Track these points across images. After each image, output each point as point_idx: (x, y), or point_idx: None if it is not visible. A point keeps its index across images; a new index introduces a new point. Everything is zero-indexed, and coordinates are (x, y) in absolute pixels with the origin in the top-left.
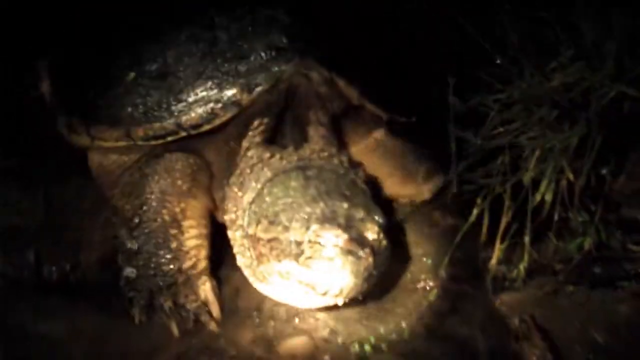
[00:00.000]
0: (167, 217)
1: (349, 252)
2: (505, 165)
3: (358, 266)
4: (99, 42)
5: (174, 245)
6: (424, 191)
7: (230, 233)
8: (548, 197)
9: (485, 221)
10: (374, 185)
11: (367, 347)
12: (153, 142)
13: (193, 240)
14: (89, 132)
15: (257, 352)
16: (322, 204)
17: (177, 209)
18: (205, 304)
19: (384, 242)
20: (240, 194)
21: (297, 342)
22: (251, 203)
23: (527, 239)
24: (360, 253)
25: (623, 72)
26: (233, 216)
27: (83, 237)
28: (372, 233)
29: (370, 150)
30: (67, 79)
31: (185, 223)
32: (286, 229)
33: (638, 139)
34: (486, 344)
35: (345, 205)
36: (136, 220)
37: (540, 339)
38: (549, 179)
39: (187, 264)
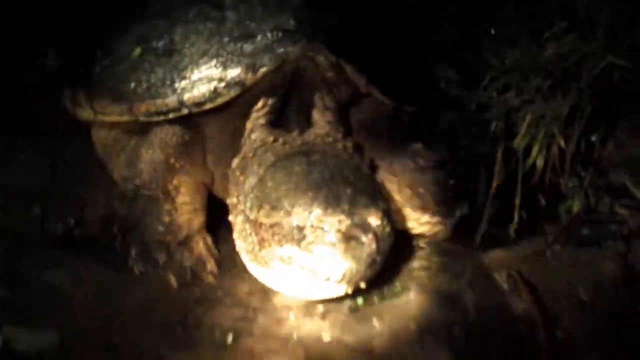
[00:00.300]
0: (160, 193)
1: (352, 238)
2: (499, 130)
3: (360, 252)
4: (107, 18)
5: (166, 219)
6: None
7: (231, 217)
8: (539, 163)
9: (480, 185)
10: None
11: (359, 300)
12: (155, 119)
13: (186, 215)
14: (92, 106)
15: (253, 303)
16: (325, 189)
17: (170, 186)
18: (201, 260)
19: (388, 229)
20: (242, 178)
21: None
22: (253, 187)
23: (517, 201)
24: (363, 239)
25: (614, 44)
26: (235, 200)
27: (87, 196)
28: (375, 219)
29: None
30: (74, 54)
31: (179, 199)
32: (288, 213)
33: (627, 108)
34: (474, 299)
35: (349, 190)
36: (130, 194)
37: (527, 294)
38: (541, 145)
39: (180, 234)
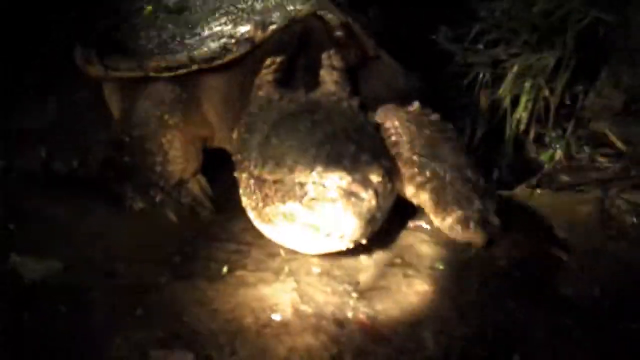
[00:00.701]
0: (152, 146)
1: (352, 194)
2: (486, 81)
3: (361, 208)
4: None
5: (158, 169)
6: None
7: (237, 173)
8: (525, 113)
9: (466, 133)
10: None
11: None
12: (165, 74)
13: (179, 165)
14: (103, 62)
15: (247, 238)
16: (327, 147)
17: (164, 139)
18: (197, 199)
19: (389, 186)
20: (247, 135)
21: None
22: (258, 144)
23: (504, 148)
24: (364, 195)
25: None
26: (240, 157)
27: (91, 139)
28: (376, 176)
29: None
30: (85, 11)
31: (171, 152)
32: (291, 170)
33: (609, 61)
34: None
35: (352, 148)
36: (126, 145)
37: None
38: (527, 96)
39: (173, 180)
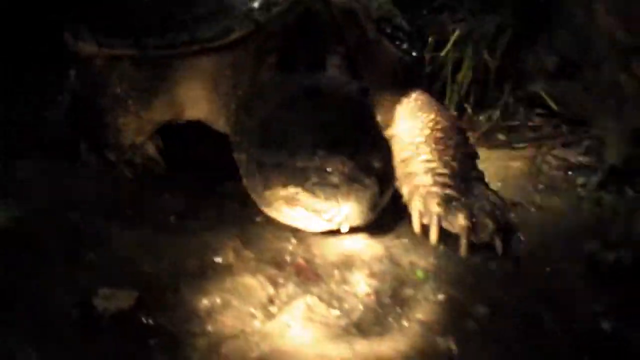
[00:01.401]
0: (108, 121)
1: (354, 180)
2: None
3: (363, 194)
4: None
5: (111, 139)
6: None
7: (236, 155)
8: (467, 77)
9: None
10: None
11: None
12: (164, 52)
13: (132, 138)
14: (97, 39)
15: (197, 190)
16: (330, 132)
17: (120, 120)
18: (151, 159)
19: (390, 171)
20: (248, 117)
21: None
22: (259, 127)
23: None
24: (366, 181)
25: None
26: (239, 139)
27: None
28: (378, 162)
29: None
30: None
31: (124, 132)
32: (292, 154)
33: (545, 26)
34: None
35: (353, 132)
36: (86, 109)
37: None
38: (469, 61)
39: (126, 146)
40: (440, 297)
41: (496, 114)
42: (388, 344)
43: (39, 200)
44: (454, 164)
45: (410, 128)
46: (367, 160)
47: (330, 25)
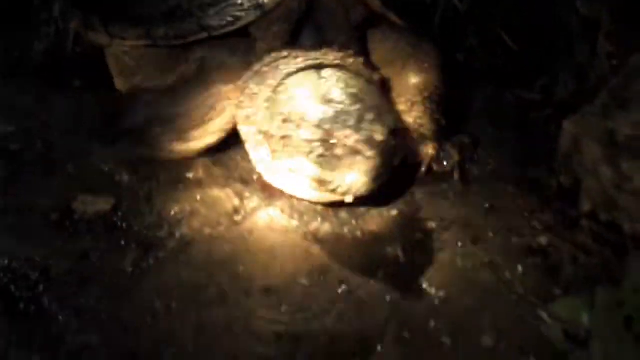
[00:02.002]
0: None
1: (357, 152)
2: None
3: (365, 166)
4: None
5: None
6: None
7: (243, 128)
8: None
9: None
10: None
11: None
12: (174, 42)
13: None
14: (108, 29)
15: None
16: (334, 104)
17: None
18: None
19: (392, 143)
20: (256, 90)
21: None
22: (267, 100)
23: None
24: (368, 153)
25: None
26: (248, 112)
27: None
28: (380, 135)
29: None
30: None
31: None
32: (298, 126)
33: None
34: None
35: (358, 106)
36: None
37: None
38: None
39: None
40: (393, 212)
41: (461, 56)
42: (342, 251)
43: (22, 119)
44: (438, 116)
45: (412, 88)
46: (370, 133)
47: (335, 3)
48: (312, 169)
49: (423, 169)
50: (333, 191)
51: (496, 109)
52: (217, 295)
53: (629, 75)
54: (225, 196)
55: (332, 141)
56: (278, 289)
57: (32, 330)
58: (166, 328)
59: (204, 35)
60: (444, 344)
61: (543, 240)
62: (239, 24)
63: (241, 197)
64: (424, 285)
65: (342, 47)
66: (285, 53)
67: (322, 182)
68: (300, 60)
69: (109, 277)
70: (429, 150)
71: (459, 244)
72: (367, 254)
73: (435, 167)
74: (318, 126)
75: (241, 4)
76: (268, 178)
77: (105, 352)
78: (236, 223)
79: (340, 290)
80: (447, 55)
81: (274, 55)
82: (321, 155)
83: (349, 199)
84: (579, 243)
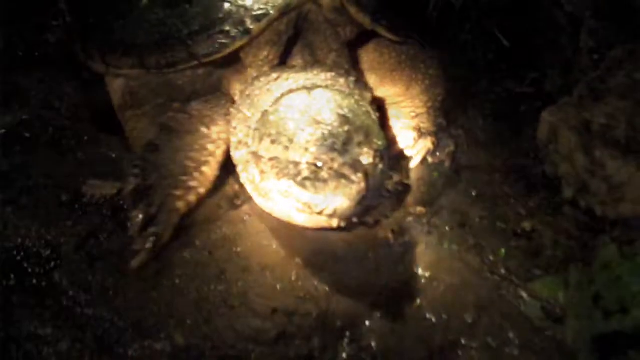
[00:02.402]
0: None
1: (343, 176)
2: None
3: (350, 189)
4: None
5: None
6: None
7: (233, 153)
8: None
9: None
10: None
11: None
12: (165, 70)
13: None
14: (105, 59)
15: None
16: (322, 126)
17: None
18: None
19: (380, 167)
20: (249, 114)
21: None
22: (257, 122)
23: None
24: (353, 177)
25: None
26: (239, 137)
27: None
28: (367, 157)
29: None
30: (84, 5)
31: None
32: (286, 148)
33: None
34: None
35: (346, 128)
36: None
37: None
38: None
39: None
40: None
41: (456, 50)
42: (335, 234)
43: (34, 107)
44: (440, 120)
45: (416, 101)
46: (357, 156)
47: (324, 23)
48: (298, 192)
49: (419, 159)
50: (319, 213)
51: (489, 102)
52: (217, 273)
53: (607, 69)
54: (226, 182)
55: (319, 164)
56: (274, 267)
57: (43, 303)
58: (169, 302)
59: (194, 62)
60: (429, 319)
61: (527, 225)
62: (227, 51)
63: (241, 183)
64: (412, 266)
65: (333, 66)
66: (275, 75)
67: (308, 205)
68: (291, 81)
69: (115, 255)
70: (427, 143)
71: (447, 227)
72: (359, 236)
73: (430, 159)
74: (306, 149)
75: (228, 31)
76: (257, 200)
77: (111, 324)
78: (235, 207)
79: (332, 269)
80: (443, 50)
81: (264, 79)
82: (307, 179)
83: (334, 222)
84: (561, 228)
